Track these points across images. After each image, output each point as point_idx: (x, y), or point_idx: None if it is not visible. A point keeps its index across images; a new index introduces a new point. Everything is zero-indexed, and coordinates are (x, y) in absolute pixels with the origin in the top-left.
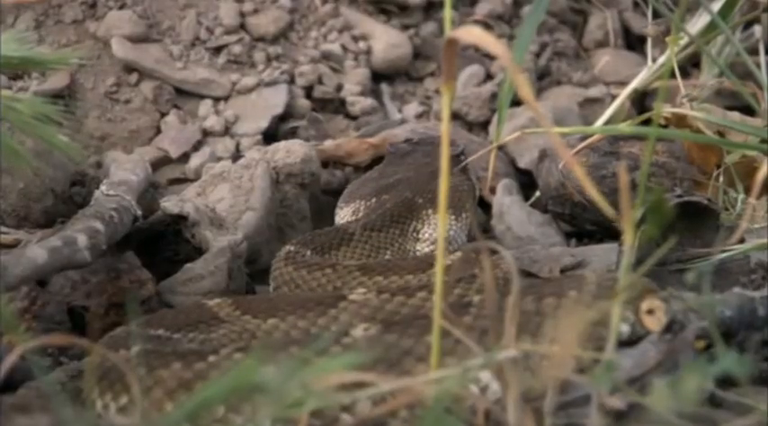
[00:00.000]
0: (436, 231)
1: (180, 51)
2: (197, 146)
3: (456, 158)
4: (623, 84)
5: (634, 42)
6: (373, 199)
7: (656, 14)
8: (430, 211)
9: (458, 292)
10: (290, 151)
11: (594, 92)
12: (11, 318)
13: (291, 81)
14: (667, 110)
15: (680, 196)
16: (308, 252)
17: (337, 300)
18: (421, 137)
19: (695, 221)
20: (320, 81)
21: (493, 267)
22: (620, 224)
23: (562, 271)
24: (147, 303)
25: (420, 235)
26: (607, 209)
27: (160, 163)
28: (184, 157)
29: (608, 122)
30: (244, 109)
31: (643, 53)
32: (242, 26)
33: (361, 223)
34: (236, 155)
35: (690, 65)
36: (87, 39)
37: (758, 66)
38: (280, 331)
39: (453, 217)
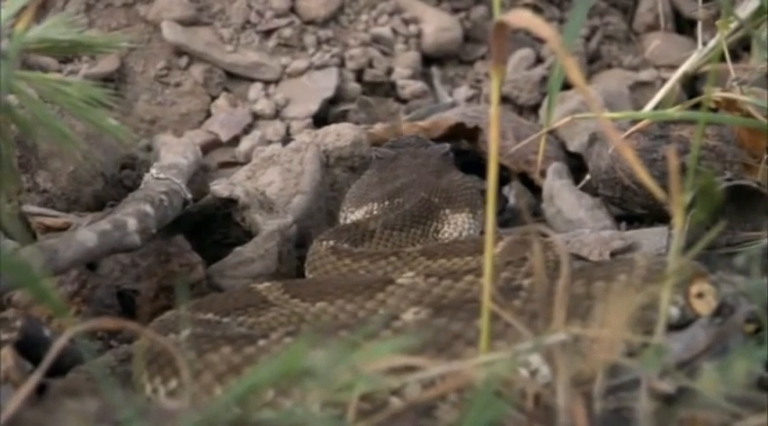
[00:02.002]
0: (456, 230)
1: (230, 35)
2: (247, 130)
3: (446, 156)
4: (673, 67)
5: (684, 26)
6: (386, 202)
7: None
8: (447, 211)
9: (505, 275)
10: (341, 134)
11: (645, 75)
12: (60, 302)
13: (342, 64)
14: (717, 94)
15: (730, 180)
16: (346, 246)
17: (385, 284)
18: (397, 141)
19: (745, 205)
20: (370, 64)
21: (544, 250)
22: (670, 207)
23: (612, 255)
24: (196, 286)
25: (440, 235)
26: (657, 193)
27: (210, 146)
28: (234, 141)
29: (658, 106)
30: (294, 92)
31: (693, 37)
32: (292, 9)
33: (380, 221)
34: (287, 139)
35: (740, 48)
36: (137, 23)
37: None
38: (328, 314)
39: (471, 215)
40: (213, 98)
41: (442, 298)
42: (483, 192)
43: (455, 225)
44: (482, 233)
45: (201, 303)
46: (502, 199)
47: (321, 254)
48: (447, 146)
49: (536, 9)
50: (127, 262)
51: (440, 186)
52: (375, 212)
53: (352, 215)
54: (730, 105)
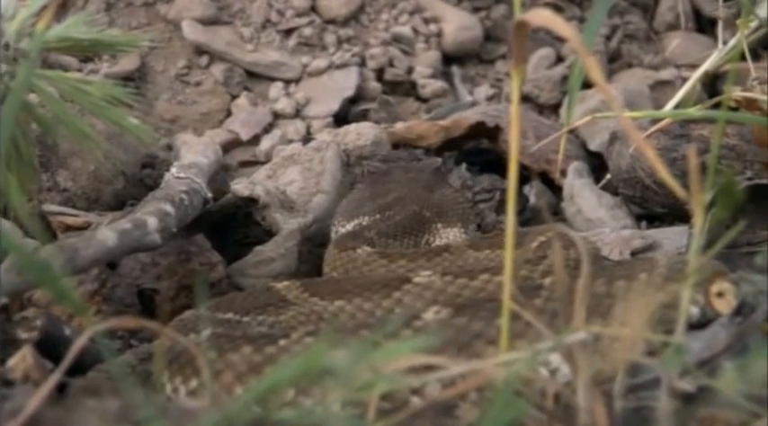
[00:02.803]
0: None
1: (251, 34)
2: (268, 129)
3: (438, 171)
4: (694, 66)
5: (705, 25)
6: (377, 215)
7: None
8: (439, 225)
9: (523, 274)
10: (361, 133)
11: (665, 74)
12: (80, 301)
13: (362, 63)
14: (738, 93)
15: (750, 179)
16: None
17: (402, 283)
18: (388, 155)
19: (765, 204)
20: (391, 63)
21: (566, 249)
22: (690, 206)
23: (633, 254)
24: (217, 286)
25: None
26: (679, 192)
27: (231, 145)
28: (255, 140)
29: (678, 105)
30: (314, 91)
31: (714, 36)
32: (313, 8)
33: (374, 231)
34: (307, 138)
35: (760, 47)
36: (158, 22)
37: None
38: (346, 313)
39: (462, 229)
40: (234, 97)
41: (457, 297)
42: (503, 191)
43: (446, 239)
44: (499, 231)
45: (221, 302)
46: (522, 199)
47: (365, 260)
48: (439, 160)
49: (556, 8)
50: (147, 261)
51: (431, 200)
52: (366, 223)
53: (342, 228)
54: (751, 104)
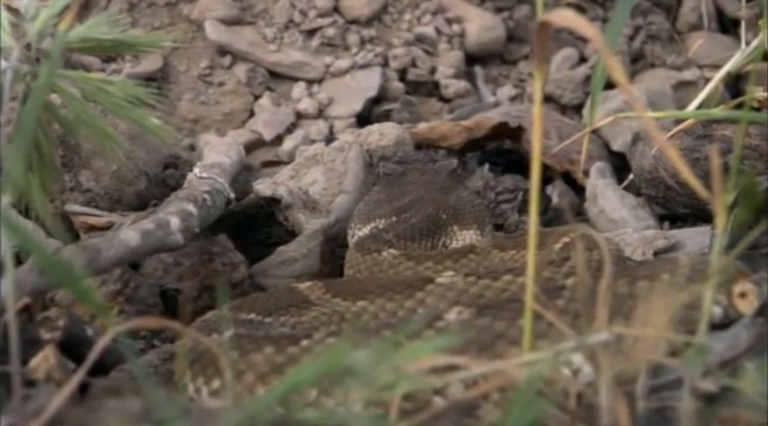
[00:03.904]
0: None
1: (273, 34)
2: (290, 129)
3: (454, 172)
4: (717, 67)
5: (728, 25)
6: (394, 218)
7: None
8: (455, 227)
9: (546, 275)
10: (384, 134)
11: (688, 75)
12: (101, 302)
13: (385, 64)
14: (760, 93)
15: None
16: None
17: (425, 283)
18: (404, 156)
19: None
20: (414, 64)
21: (589, 250)
22: (713, 206)
23: (655, 254)
24: (239, 286)
25: None
26: (701, 192)
27: (253, 145)
28: (278, 140)
29: (701, 105)
30: (337, 91)
31: (737, 36)
32: (336, 9)
33: (392, 233)
34: (330, 138)
35: None
36: (180, 22)
37: None
38: (368, 313)
39: (479, 232)
40: (256, 97)
41: (480, 297)
42: (526, 192)
43: (463, 241)
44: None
45: (244, 303)
46: (545, 199)
47: (392, 263)
48: (455, 161)
49: (579, 8)
50: (170, 262)
51: (448, 203)
52: (381, 226)
53: (359, 231)
54: None
